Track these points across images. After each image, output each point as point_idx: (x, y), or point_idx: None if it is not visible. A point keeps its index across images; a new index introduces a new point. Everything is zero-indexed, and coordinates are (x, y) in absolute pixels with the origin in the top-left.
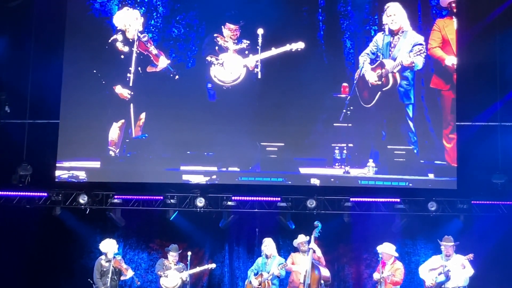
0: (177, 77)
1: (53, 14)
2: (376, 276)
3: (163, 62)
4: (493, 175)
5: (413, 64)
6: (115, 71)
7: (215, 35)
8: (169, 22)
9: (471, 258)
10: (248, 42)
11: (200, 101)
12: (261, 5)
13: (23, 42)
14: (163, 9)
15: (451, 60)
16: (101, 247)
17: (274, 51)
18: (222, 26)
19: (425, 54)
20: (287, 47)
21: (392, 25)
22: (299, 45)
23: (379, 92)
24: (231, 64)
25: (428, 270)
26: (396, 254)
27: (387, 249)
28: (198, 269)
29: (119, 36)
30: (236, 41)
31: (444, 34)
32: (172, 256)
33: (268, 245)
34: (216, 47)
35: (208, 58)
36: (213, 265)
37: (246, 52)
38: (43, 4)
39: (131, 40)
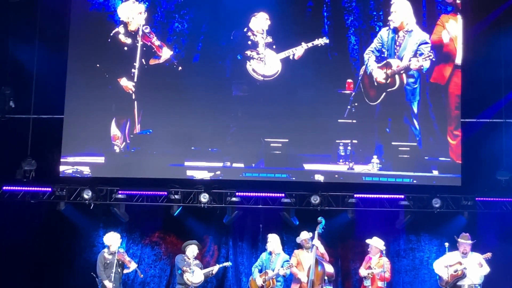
0: (180, 68)
1: (57, 9)
2: (363, 272)
3: (166, 53)
4: (497, 172)
5: (422, 67)
6: (119, 64)
7: (245, 30)
8: (173, 17)
9: (489, 257)
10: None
11: (204, 96)
12: (265, 1)
13: (28, 37)
14: (167, 3)
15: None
16: (105, 239)
17: (304, 46)
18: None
19: (434, 59)
20: (315, 42)
21: (396, 21)
22: (324, 40)
23: (386, 91)
24: (270, 59)
25: (444, 266)
26: (383, 248)
27: (376, 243)
28: (217, 266)
29: (121, 29)
30: (264, 36)
31: (446, 30)
32: (193, 251)
33: (272, 241)
34: (249, 42)
35: (248, 52)
36: (229, 263)
37: (274, 46)
38: None
39: (133, 33)
